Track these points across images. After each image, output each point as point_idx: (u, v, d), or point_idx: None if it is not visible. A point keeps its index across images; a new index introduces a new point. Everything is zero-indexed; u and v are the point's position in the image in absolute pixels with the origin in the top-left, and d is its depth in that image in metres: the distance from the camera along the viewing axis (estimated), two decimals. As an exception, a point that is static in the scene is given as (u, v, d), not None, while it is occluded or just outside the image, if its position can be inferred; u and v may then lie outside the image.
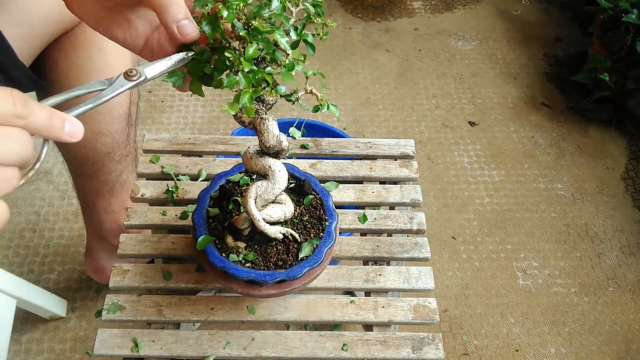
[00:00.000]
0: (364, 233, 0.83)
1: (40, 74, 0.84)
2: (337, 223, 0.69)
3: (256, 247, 0.66)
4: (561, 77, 1.83)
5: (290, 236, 0.66)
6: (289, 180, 0.70)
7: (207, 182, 0.84)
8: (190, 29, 0.47)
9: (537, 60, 1.89)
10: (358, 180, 0.88)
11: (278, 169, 0.62)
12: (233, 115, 0.51)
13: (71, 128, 0.39)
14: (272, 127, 0.57)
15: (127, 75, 0.46)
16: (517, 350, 1.22)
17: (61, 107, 0.41)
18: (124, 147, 1.01)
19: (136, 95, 1.02)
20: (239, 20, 0.48)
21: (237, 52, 0.48)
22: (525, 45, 1.94)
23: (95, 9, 0.49)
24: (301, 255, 0.65)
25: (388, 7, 2.06)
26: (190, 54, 0.49)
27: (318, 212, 0.69)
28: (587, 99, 1.71)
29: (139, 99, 1.10)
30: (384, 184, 0.87)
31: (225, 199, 0.71)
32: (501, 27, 2.01)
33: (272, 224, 0.65)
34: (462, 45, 1.93)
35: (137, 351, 0.69)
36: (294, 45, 0.52)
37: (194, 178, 0.86)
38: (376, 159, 0.90)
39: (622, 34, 1.52)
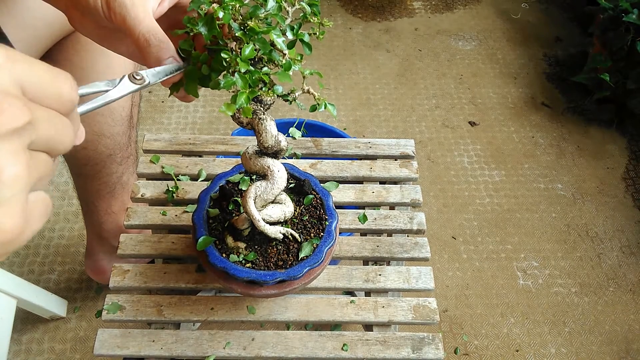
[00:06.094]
0: (364, 233, 0.83)
1: None
2: (337, 223, 0.69)
3: (256, 247, 0.66)
4: (561, 77, 1.83)
5: (290, 236, 0.66)
6: (288, 180, 0.70)
7: (207, 182, 0.84)
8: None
9: (537, 60, 1.89)
10: (358, 180, 0.88)
11: (277, 169, 0.62)
12: (231, 115, 0.51)
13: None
14: (270, 127, 0.57)
15: (134, 78, 0.46)
16: (517, 351, 1.22)
17: None
18: (125, 149, 1.02)
19: (138, 97, 1.03)
20: (235, 21, 0.48)
21: (233, 52, 0.48)
22: (525, 45, 1.94)
23: (95, 29, 0.49)
24: (301, 255, 0.65)
25: (388, 7, 2.06)
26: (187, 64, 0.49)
27: (318, 212, 0.69)
28: (587, 99, 1.71)
29: (140, 100, 1.10)
30: (384, 184, 0.88)
31: (225, 200, 0.71)
32: (501, 27, 2.01)
33: (272, 224, 0.65)
34: (462, 45, 1.93)
35: None
36: (291, 45, 0.52)
37: (194, 178, 0.86)
38: (376, 159, 0.90)
39: (623, 34, 1.52)
